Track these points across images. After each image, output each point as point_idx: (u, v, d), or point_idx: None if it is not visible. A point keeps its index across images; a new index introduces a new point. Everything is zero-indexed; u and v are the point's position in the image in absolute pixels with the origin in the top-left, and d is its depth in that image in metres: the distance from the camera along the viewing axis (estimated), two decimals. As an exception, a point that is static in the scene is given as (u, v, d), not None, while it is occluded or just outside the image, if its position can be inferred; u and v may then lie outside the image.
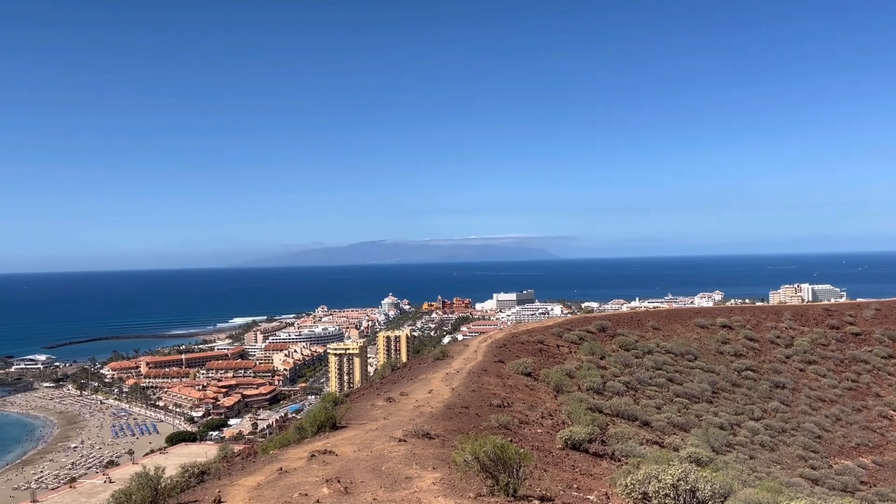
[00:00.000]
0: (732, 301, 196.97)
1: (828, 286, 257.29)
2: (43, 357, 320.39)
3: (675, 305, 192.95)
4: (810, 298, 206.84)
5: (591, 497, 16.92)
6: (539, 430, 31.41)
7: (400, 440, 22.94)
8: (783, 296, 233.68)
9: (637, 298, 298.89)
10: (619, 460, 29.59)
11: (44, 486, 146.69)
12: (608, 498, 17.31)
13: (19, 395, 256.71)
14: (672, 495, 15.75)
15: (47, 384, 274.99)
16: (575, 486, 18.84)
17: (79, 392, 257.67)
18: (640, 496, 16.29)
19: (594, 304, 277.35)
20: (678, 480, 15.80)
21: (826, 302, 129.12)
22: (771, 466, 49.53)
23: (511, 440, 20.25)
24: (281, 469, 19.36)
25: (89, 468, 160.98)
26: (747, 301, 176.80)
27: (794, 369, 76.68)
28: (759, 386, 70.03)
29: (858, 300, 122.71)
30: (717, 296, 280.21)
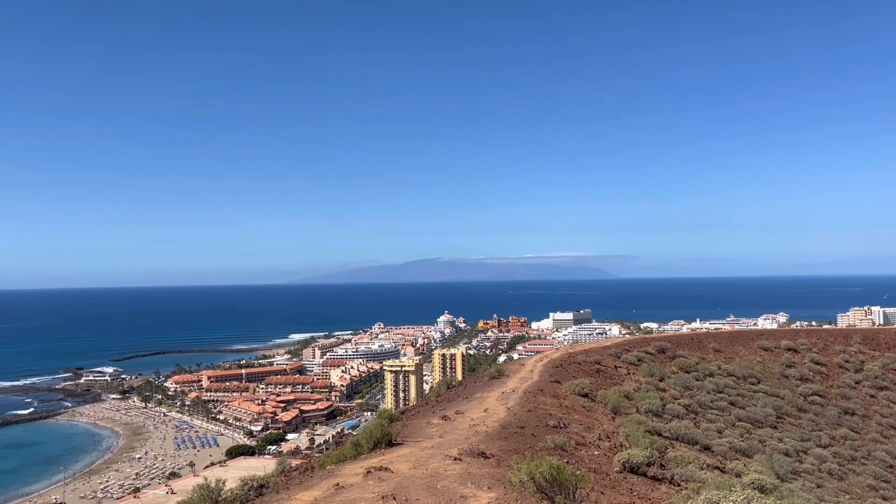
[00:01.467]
0: (798, 323, 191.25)
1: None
2: (110, 369, 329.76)
3: (737, 327, 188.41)
4: (881, 322, 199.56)
5: (650, 522, 16.56)
6: (596, 452, 31.00)
7: (455, 459, 22.89)
8: (852, 318, 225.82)
9: (697, 319, 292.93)
10: (679, 485, 28.97)
11: (109, 495, 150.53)
12: (667, 524, 16.93)
13: (88, 406, 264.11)
14: (734, 524, 15.35)
15: (114, 396, 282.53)
16: (633, 510, 18.49)
17: (143, 404, 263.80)
18: (701, 524, 15.90)
19: (653, 325, 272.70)
20: (742, 508, 15.39)
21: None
22: (840, 496, 47.83)
23: (567, 461, 20.00)
24: (337, 485, 19.50)
25: (152, 479, 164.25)
26: (813, 324, 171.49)
27: (864, 395, 74.17)
28: (826, 412, 67.88)
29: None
30: (782, 318, 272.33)
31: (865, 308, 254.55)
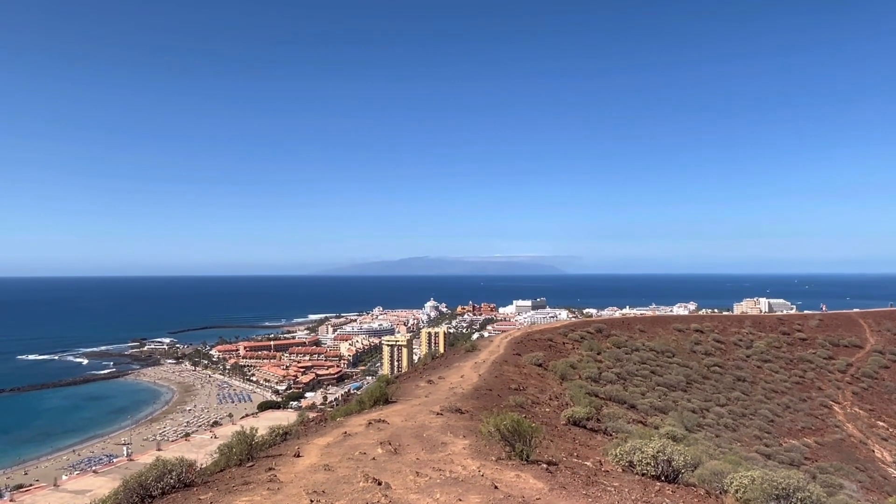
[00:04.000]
0: (704, 310, 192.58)
1: (781, 300, 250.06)
2: (167, 340, 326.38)
3: (657, 313, 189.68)
4: (766, 310, 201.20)
5: (588, 463, 16.69)
6: (547, 410, 31.11)
7: (437, 414, 22.93)
8: (745, 307, 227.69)
9: (627, 306, 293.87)
10: (611, 435, 29.16)
11: (166, 438, 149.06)
12: (601, 464, 17.06)
13: (149, 369, 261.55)
14: (653, 464, 15.48)
15: (170, 361, 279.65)
16: (575, 454, 18.62)
17: (193, 368, 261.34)
18: (626, 464, 16.03)
19: (593, 311, 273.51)
20: (658, 452, 15.53)
21: (779, 313, 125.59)
22: (733, 444, 48.28)
23: (525, 416, 20.12)
24: (345, 433, 19.49)
25: (199, 426, 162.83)
26: (716, 311, 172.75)
27: (752, 366, 74.96)
28: (724, 379, 68.52)
29: (805, 312, 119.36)
30: (692, 306, 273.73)
31: (755, 299, 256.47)
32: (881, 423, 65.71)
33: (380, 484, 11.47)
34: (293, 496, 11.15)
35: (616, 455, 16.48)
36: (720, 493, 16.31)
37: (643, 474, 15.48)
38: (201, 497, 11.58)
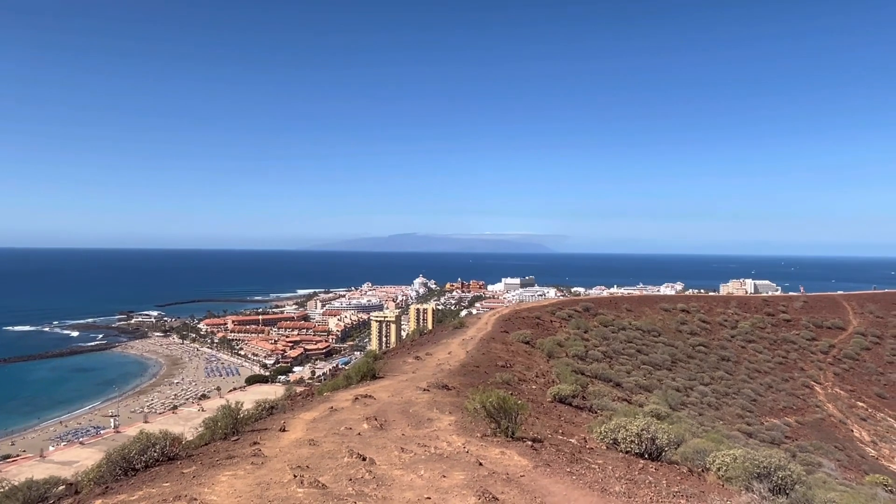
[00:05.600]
0: (690, 291, 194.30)
1: (767, 282, 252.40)
2: (155, 313, 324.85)
3: (644, 292, 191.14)
4: (752, 291, 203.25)
5: (573, 440, 16.78)
6: (534, 387, 31.27)
7: (424, 390, 22.94)
8: (731, 288, 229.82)
9: (615, 286, 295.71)
10: (596, 412, 29.38)
11: (153, 410, 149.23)
12: (585, 441, 17.17)
13: (137, 342, 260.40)
14: (636, 442, 15.58)
15: (158, 334, 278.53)
16: (560, 431, 18.71)
17: (181, 341, 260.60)
18: (611, 441, 16.13)
19: (581, 289, 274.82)
20: (641, 430, 15.62)
21: (765, 294, 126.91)
22: (715, 422, 48.96)
23: (511, 393, 20.15)
24: (332, 408, 19.46)
25: (187, 399, 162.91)
26: (702, 291, 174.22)
27: (737, 346, 75.79)
28: (708, 358, 69.27)
29: (790, 294, 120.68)
30: (679, 286, 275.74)
31: (741, 280, 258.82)
32: (860, 404, 66.90)
33: (364, 459, 11.46)
34: (277, 470, 11.11)
35: (600, 433, 16.56)
36: (702, 470, 16.48)
37: (627, 452, 15.58)
38: (185, 471, 11.51)
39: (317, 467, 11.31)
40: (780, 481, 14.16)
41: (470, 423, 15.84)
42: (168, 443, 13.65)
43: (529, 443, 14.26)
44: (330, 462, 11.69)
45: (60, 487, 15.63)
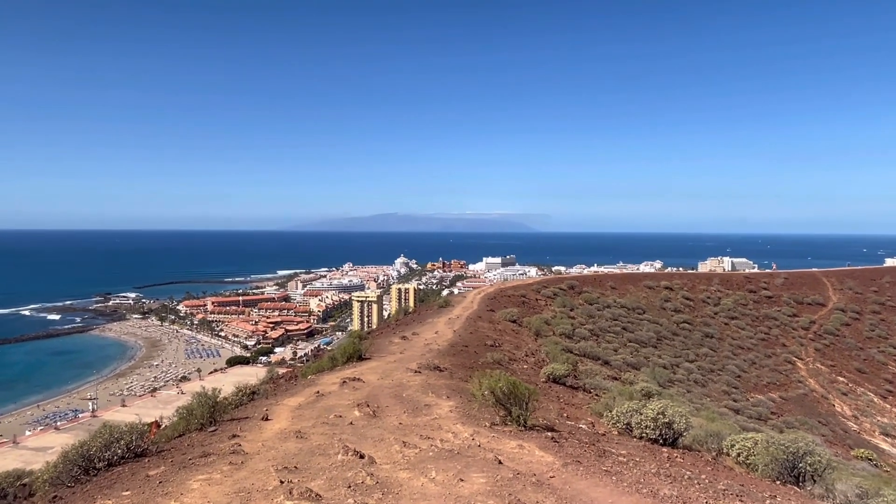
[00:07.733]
0: (670, 269, 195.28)
1: (744, 259, 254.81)
2: (133, 295, 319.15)
3: (624, 271, 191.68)
4: (729, 269, 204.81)
5: (582, 426, 15.48)
6: (525, 366, 30.15)
7: (415, 371, 21.57)
8: (709, 266, 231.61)
9: (595, 265, 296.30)
10: (590, 392, 28.38)
11: (132, 393, 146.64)
12: (593, 426, 15.90)
13: (115, 324, 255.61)
14: (652, 426, 14.35)
15: (136, 316, 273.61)
16: (565, 415, 17.42)
17: (160, 323, 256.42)
18: (623, 426, 14.88)
19: (562, 268, 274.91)
20: (658, 414, 14.39)
21: (746, 271, 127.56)
22: (703, 399, 48.54)
23: (505, 373, 18.85)
24: (318, 392, 17.96)
25: (167, 381, 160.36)
26: (681, 269, 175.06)
27: (720, 323, 75.73)
28: (693, 335, 69.04)
29: (771, 270, 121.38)
30: (658, 264, 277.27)
31: (718, 258, 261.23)
32: (841, 379, 67.25)
33: (362, 457, 9.71)
34: (259, 472, 9.39)
35: (612, 417, 15.31)
36: (716, 454, 15.34)
37: (641, 437, 14.36)
38: (151, 473, 9.81)
39: (306, 468, 9.62)
40: (809, 468, 13.01)
41: (473, 410, 14.33)
42: (135, 437, 12.03)
43: (547, 433, 12.71)
44: (321, 461, 10.01)
45: (18, 485, 14.01)
